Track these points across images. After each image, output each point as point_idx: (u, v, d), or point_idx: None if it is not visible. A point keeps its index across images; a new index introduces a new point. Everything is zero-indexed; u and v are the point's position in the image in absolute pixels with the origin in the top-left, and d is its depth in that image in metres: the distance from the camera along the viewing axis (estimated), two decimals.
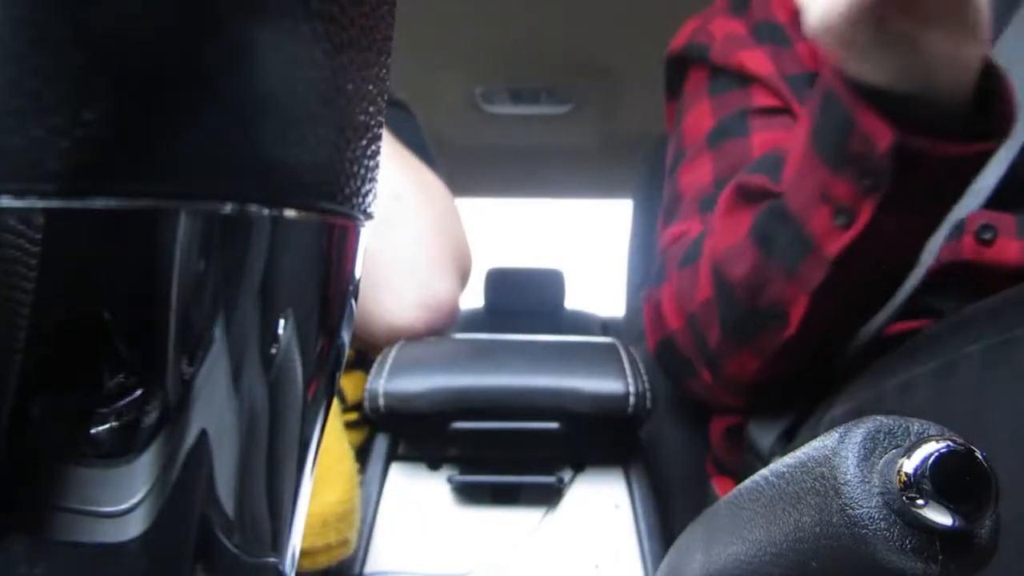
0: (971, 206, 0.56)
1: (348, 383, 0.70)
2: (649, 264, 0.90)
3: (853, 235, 0.49)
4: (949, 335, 0.47)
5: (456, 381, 0.62)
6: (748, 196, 0.56)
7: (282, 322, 0.14)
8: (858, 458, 0.23)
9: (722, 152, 0.67)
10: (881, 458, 0.23)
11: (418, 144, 0.78)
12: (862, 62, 0.45)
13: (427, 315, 0.69)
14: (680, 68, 0.76)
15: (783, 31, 0.69)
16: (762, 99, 0.68)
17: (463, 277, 0.75)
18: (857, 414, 0.51)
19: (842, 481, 0.22)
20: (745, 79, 0.68)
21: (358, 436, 0.68)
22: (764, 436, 0.61)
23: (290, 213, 0.14)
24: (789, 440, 0.60)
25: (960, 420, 0.43)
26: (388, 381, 0.62)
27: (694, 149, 0.70)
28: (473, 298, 2.15)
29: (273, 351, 0.14)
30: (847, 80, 0.47)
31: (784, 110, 0.67)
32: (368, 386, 0.62)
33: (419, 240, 0.70)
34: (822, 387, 0.59)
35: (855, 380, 0.54)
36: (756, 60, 0.68)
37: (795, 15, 0.67)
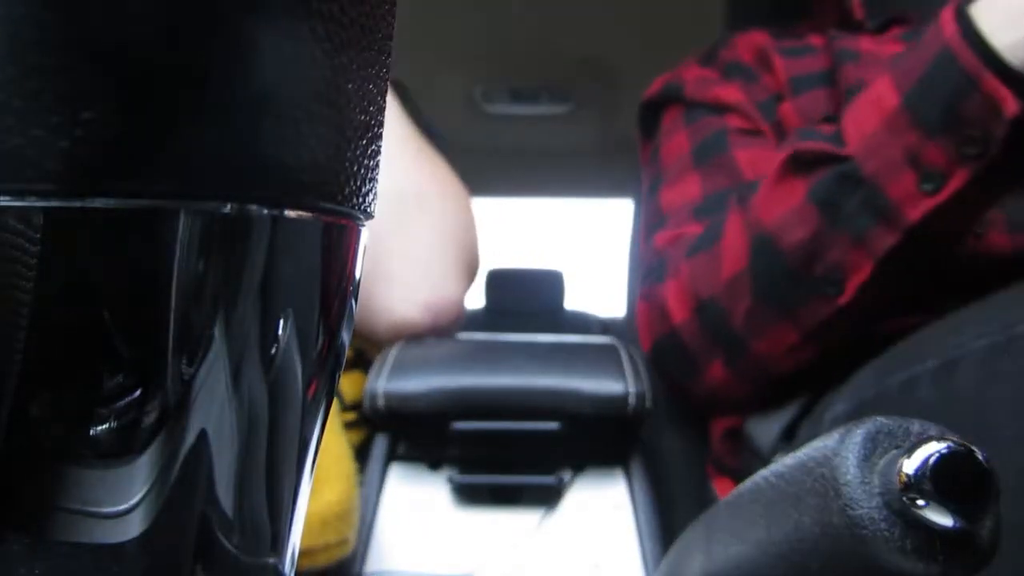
0: None
1: (347, 383, 0.70)
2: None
3: (938, 201, 0.49)
4: (951, 332, 0.47)
5: (456, 381, 0.62)
6: (803, 164, 0.55)
7: (282, 322, 0.14)
8: (858, 459, 0.23)
9: (709, 168, 0.69)
10: (881, 458, 0.23)
11: (424, 125, 0.78)
12: (1018, 32, 0.46)
13: (433, 316, 0.69)
14: (655, 112, 0.78)
15: (750, 69, 0.73)
16: (738, 123, 0.70)
17: (472, 281, 0.75)
18: (858, 412, 0.51)
19: (842, 482, 0.22)
20: (720, 108, 0.71)
21: (357, 436, 0.68)
22: (764, 434, 0.61)
23: (290, 213, 0.14)
24: (790, 438, 0.60)
25: (963, 418, 0.43)
26: (388, 381, 0.62)
27: (676, 170, 0.71)
28: (474, 299, 2.15)
29: (273, 351, 0.14)
30: (973, 45, 0.47)
31: (759, 132, 0.69)
32: (368, 386, 0.62)
33: (437, 241, 0.69)
34: (822, 384, 0.59)
35: (856, 378, 0.54)
36: (728, 92, 0.71)
37: (759, 54, 0.72)
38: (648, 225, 0.73)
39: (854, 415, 0.51)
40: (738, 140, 0.69)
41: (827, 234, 0.54)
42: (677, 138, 0.73)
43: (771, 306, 0.57)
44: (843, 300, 0.54)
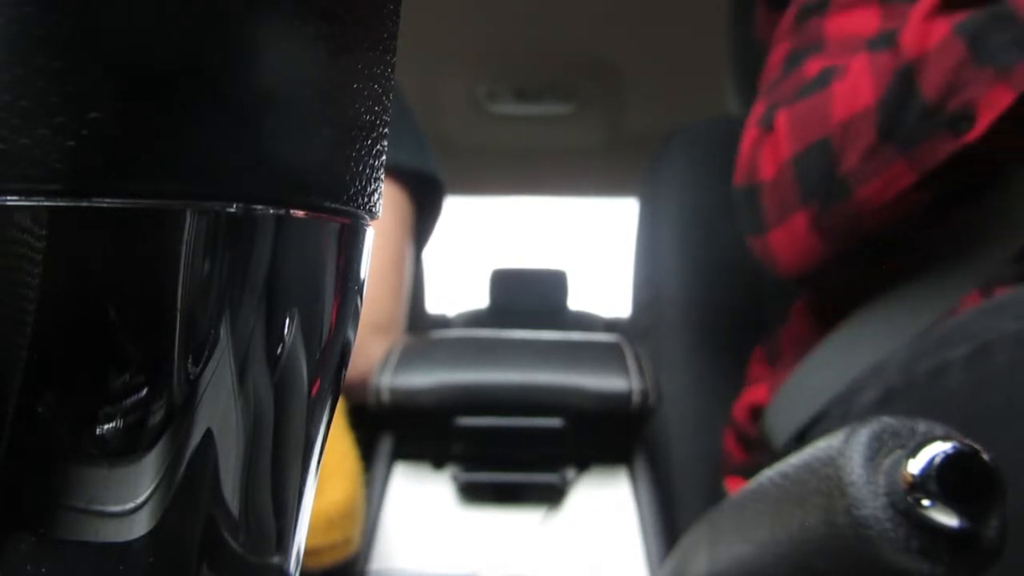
0: None
1: None
2: (657, 264, 0.89)
3: None
4: (984, 318, 0.47)
5: (461, 377, 0.62)
6: (956, 2, 0.55)
7: (287, 321, 0.14)
8: (864, 459, 0.23)
9: (892, 7, 0.66)
10: (887, 459, 0.23)
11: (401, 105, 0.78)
12: None
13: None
14: None
15: None
16: None
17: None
18: (887, 400, 0.51)
19: (847, 482, 0.22)
20: None
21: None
22: (782, 430, 0.61)
23: (295, 213, 0.14)
24: (802, 438, 0.60)
25: (994, 404, 0.43)
26: (394, 376, 0.62)
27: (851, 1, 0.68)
28: (479, 298, 2.16)
29: (278, 350, 0.14)
30: None
31: None
32: (373, 381, 0.62)
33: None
34: (844, 377, 0.58)
35: (884, 365, 0.54)
36: None
37: None
38: (795, 51, 0.69)
39: (883, 403, 0.51)
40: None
41: (970, 67, 0.54)
42: None
43: (896, 142, 0.56)
44: (972, 136, 0.54)
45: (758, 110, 0.67)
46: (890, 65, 0.57)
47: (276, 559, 0.15)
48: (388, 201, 0.77)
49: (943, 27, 0.55)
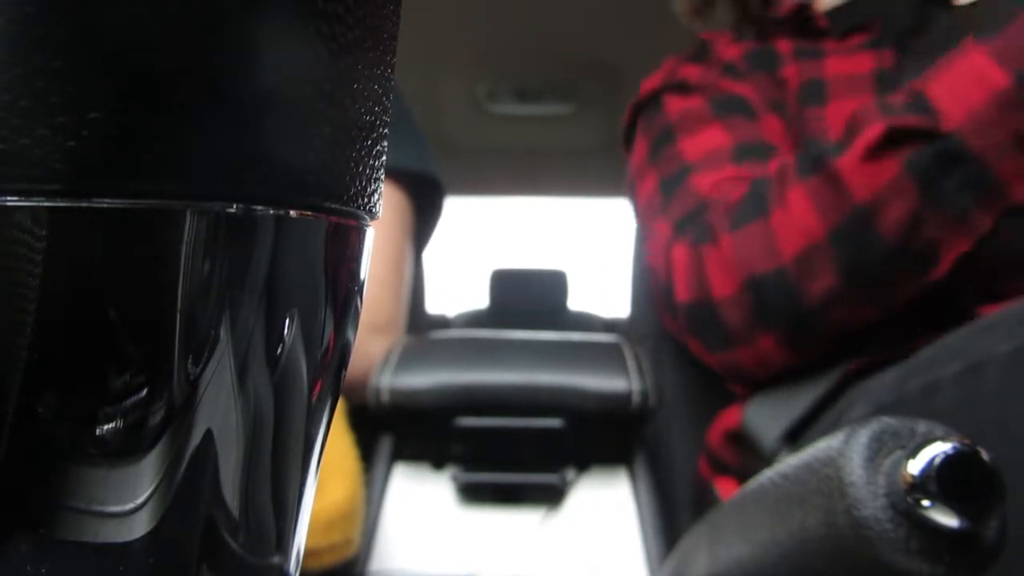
0: None
1: None
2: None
3: None
4: (976, 337, 0.47)
5: (460, 377, 0.62)
6: (899, 137, 0.55)
7: (287, 322, 0.14)
8: (864, 459, 0.23)
9: (732, 121, 0.68)
10: (887, 459, 0.23)
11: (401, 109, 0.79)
12: None
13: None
14: (651, 103, 0.79)
15: (745, 67, 0.75)
16: (755, 96, 0.71)
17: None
18: (878, 416, 0.51)
19: (847, 482, 0.22)
20: (732, 90, 0.72)
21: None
22: (766, 434, 0.61)
23: (295, 213, 0.14)
24: (794, 439, 0.60)
25: (985, 422, 0.43)
26: (393, 376, 0.62)
27: (693, 122, 0.70)
28: (479, 299, 2.16)
29: (278, 351, 0.14)
30: None
31: (774, 108, 0.70)
32: (373, 381, 0.62)
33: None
34: (832, 389, 0.58)
35: (875, 382, 0.54)
36: (736, 85, 0.72)
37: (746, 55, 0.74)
38: (667, 179, 0.70)
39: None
40: (761, 108, 0.69)
41: (925, 211, 0.54)
42: (691, 100, 0.72)
43: (861, 283, 0.57)
44: (937, 273, 0.55)
45: (663, 229, 0.68)
46: (831, 200, 0.57)
47: (276, 559, 0.15)
48: (388, 202, 0.77)
49: (892, 166, 0.55)
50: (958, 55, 0.54)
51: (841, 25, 0.73)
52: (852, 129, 0.57)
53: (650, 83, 0.80)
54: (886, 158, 0.55)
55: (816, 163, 0.58)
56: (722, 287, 0.62)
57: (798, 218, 0.58)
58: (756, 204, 0.61)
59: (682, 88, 0.74)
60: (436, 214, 0.90)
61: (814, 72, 0.70)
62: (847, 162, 0.56)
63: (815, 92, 0.69)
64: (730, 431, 0.67)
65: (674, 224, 0.67)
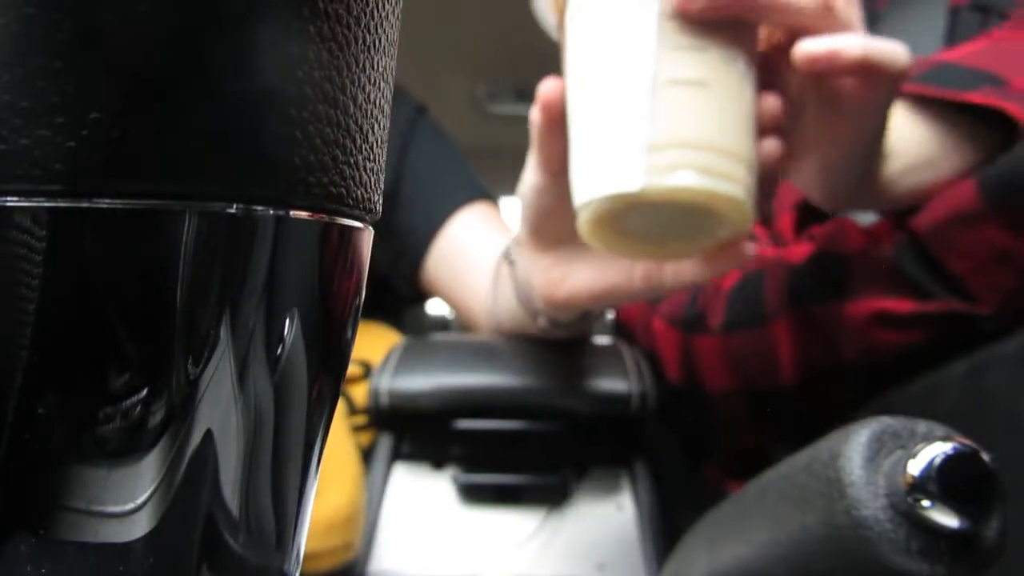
0: None
1: (358, 392, 0.70)
2: None
3: None
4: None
5: (460, 380, 0.62)
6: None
7: (287, 322, 0.14)
8: (864, 459, 0.23)
9: None
10: (887, 459, 0.23)
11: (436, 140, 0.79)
12: None
13: None
14: None
15: None
16: None
17: None
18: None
19: (847, 483, 0.22)
20: None
21: (367, 438, 0.68)
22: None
23: (295, 214, 0.14)
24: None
25: (991, 423, 0.43)
26: (392, 379, 0.62)
27: None
28: None
29: (278, 351, 0.14)
30: None
31: None
32: (372, 384, 0.62)
33: None
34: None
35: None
36: None
37: None
38: None
39: None
40: None
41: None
42: None
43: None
44: None
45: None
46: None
47: (276, 560, 0.15)
48: None
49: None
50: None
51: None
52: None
53: None
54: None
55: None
56: (716, 379, 0.62)
57: (798, 340, 0.57)
58: (750, 309, 0.61)
59: None
60: None
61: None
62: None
63: None
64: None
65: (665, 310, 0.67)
